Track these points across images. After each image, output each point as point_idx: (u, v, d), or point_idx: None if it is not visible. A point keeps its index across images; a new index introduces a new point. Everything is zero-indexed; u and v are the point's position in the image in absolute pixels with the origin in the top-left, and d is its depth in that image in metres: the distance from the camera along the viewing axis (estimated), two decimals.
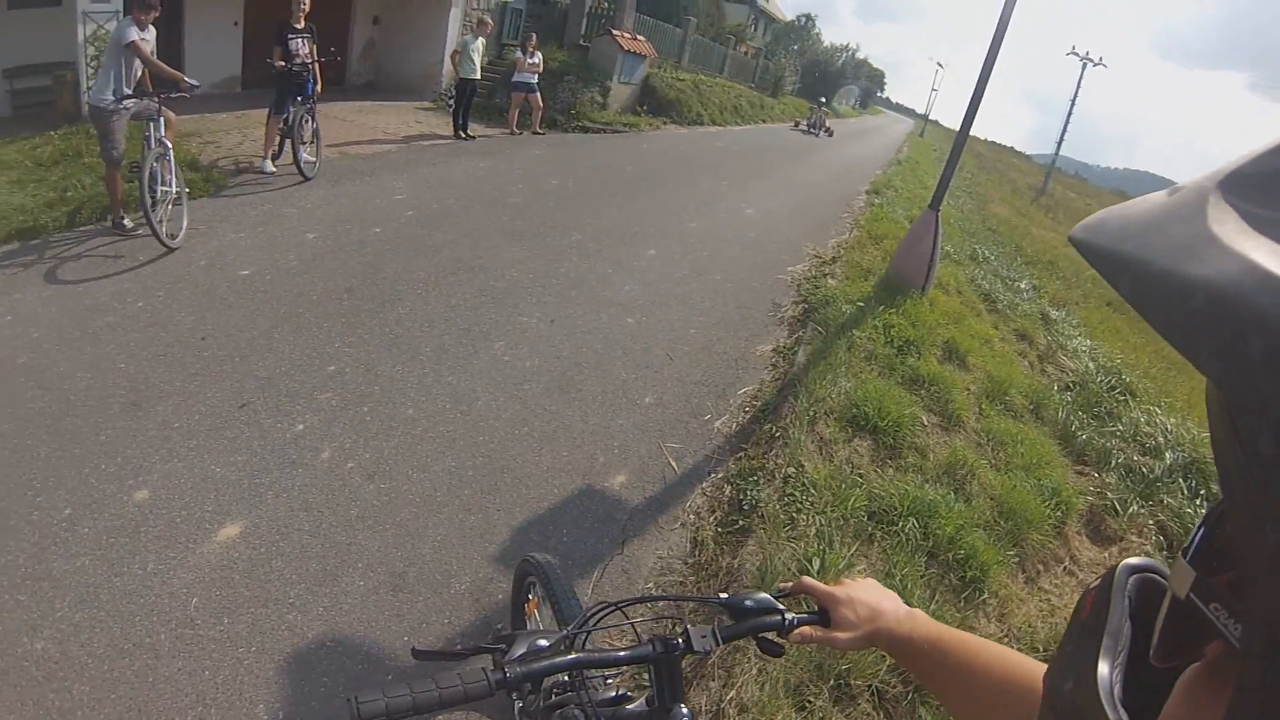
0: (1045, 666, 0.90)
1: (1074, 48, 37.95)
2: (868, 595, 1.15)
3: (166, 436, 3.64)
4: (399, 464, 3.71)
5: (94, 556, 2.91)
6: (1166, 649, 0.44)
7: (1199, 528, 0.41)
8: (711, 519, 3.72)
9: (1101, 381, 6.34)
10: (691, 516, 3.77)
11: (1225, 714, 0.35)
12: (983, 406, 5.25)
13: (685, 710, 1.20)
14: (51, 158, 7.37)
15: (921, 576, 3.31)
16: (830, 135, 26.62)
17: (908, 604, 1.17)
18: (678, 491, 3.95)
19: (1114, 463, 4.94)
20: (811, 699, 2.59)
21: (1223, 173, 0.37)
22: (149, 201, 5.50)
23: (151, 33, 5.89)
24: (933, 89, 51.51)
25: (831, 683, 2.67)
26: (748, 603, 1.24)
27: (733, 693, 2.57)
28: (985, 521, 3.84)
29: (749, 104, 26.48)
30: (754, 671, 2.66)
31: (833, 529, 3.51)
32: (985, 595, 3.35)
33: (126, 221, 5.92)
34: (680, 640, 1.20)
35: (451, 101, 12.19)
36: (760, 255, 8.34)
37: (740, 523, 3.60)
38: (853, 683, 2.69)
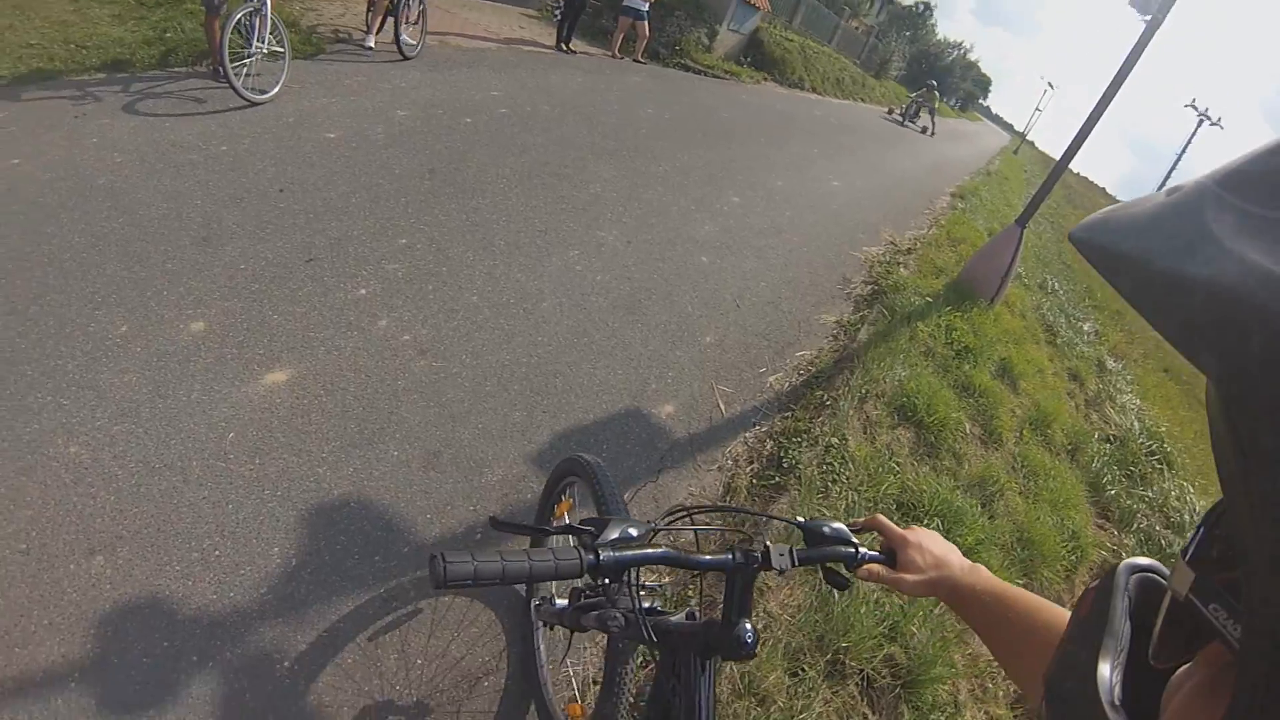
0: None
1: (1194, 101, 36.17)
2: (935, 544, 1.15)
3: (231, 276, 3.59)
4: (454, 346, 3.62)
5: (141, 375, 2.88)
6: (1166, 649, 0.44)
7: (1198, 528, 0.41)
8: (749, 469, 3.63)
9: (1142, 443, 6.08)
10: (730, 462, 3.67)
11: (1225, 714, 0.35)
12: (1024, 432, 5.10)
13: (750, 626, 1.15)
14: None
15: None
16: (930, 134, 22.92)
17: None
18: (721, 435, 3.85)
19: (1136, 526, 4.81)
20: (806, 668, 2.53)
21: (1222, 172, 0.36)
22: (226, 55, 5.40)
23: None
24: (1037, 108, 49.23)
25: (828, 657, 2.60)
26: (825, 529, 1.22)
27: None
28: (1004, 543, 3.75)
29: (851, 79, 25.63)
30: (760, 626, 2.59)
31: (862, 507, 3.43)
32: None
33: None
34: (759, 555, 1.17)
35: (559, 12, 11.92)
36: (838, 228, 8.08)
37: (776, 479, 3.51)
38: (847, 662, 2.62)
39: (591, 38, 13.28)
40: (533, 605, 2.27)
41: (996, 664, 2.78)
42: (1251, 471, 0.31)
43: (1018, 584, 3.41)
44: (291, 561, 2.38)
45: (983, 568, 1.10)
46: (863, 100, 25.59)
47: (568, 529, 1.22)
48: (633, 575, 1.25)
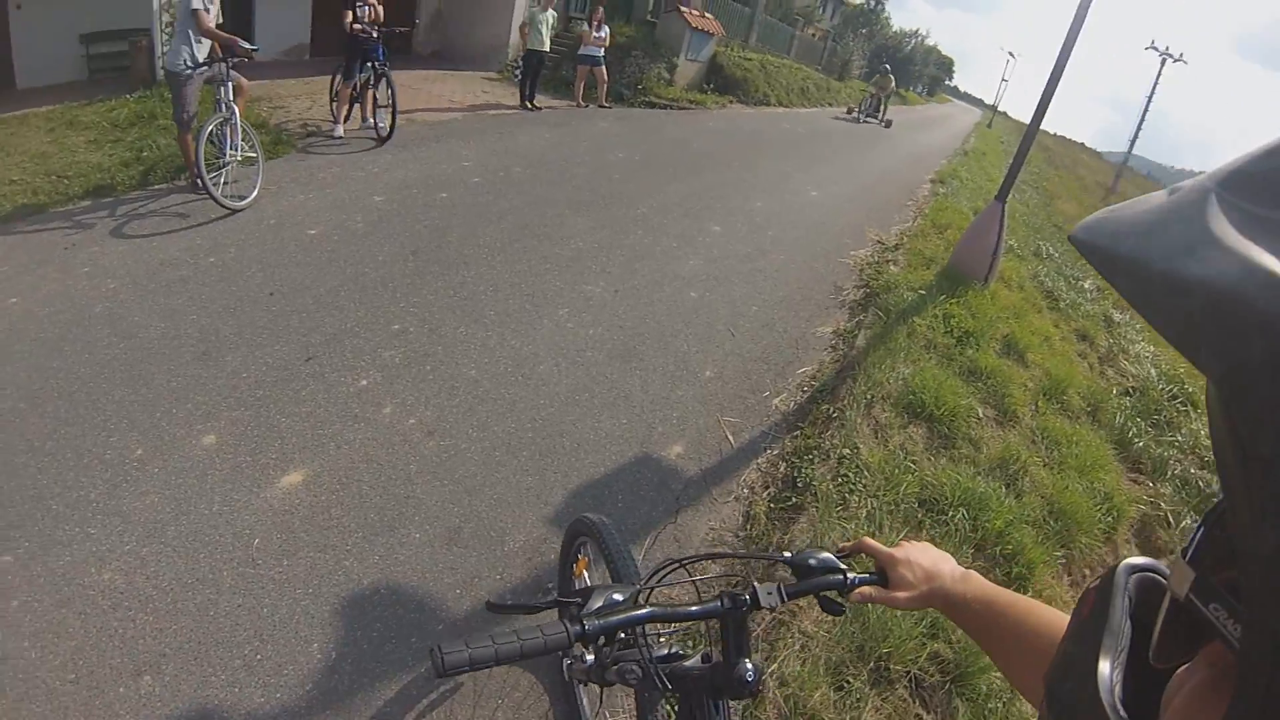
0: None
1: (1153, 42, 36.49)
2: (924, 557, 1.17)
3: (234, 385, 3.73)
4: (459, 423, 3.74)
5: (162, 495, 3.00)
6: (1166, 649, 0.44)
7: (1198, 528, 0.41)
8: (765, 494, 3.68)
9: (1163, 389, 6.07)
10: (745, 491, 3.73)
11: (1225, 715, 0.35)
12: (1039, 404, 5.12)
13: (750, 665, 1.21)
14: (127, 120, 7.62)
15: (968, 568, 3.21)
16: (888, 126, 22.15)
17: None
18: (733, 465, 3.91)
19: (1170, 474, 4.79)
20: (850, 679, 2.56)
21: (1223, 172, 0.37)
22: (204, 166, 5.59)
23: (215, 2, 5.98)
24: (1003, 79, 49.67)
25: (871, 665, 2.64)
26: (811, 561, 1.26)
27: (774, 665, 2.56)
28: (1035, 519, 3.75)
29: (815, 86, 25.93)
30: (796, 647, 2.65)
31: (884, 513, 3.47)
32: (1029, 593, 3.22)
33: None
34: (748, 596, 1.22)
35: (519, 72, 12.22)
36: (823, 238, 8.19)
37: (793, 500, 3.57)
38: (892, 667, 2.65)
39: (554, 90, 13.57)
40: (565, 665, 2.34)
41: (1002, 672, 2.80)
42: (1252, 472, 0.32)
43: (1055, 557, 3.50)
44: (332, 655, 2.47)
45: (975, 574, 1.13)
46: (830, 104, 25.82)
47: (555, 603, 1.31)
48: (641, 629, 1.33)
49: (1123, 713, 0.44)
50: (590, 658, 1.63)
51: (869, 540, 1.25)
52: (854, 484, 3.65)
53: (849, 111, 23.54)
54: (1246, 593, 0.34)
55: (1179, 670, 0.44)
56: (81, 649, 2.36)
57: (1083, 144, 65.60)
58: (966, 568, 3.17)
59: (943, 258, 7.67)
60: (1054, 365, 5.76)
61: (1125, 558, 0.54)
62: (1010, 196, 7.02)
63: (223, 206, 5.69)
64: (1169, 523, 4.26)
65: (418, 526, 3.06)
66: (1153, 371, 6.47)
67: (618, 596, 1.23)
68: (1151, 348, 7.43)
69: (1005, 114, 54.58)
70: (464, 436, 3.65)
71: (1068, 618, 0.87)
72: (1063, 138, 64.98)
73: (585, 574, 2.30)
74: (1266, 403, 0.30)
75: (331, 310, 4.55)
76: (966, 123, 35.68)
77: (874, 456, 3.86)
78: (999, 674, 2.73)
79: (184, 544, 2.79)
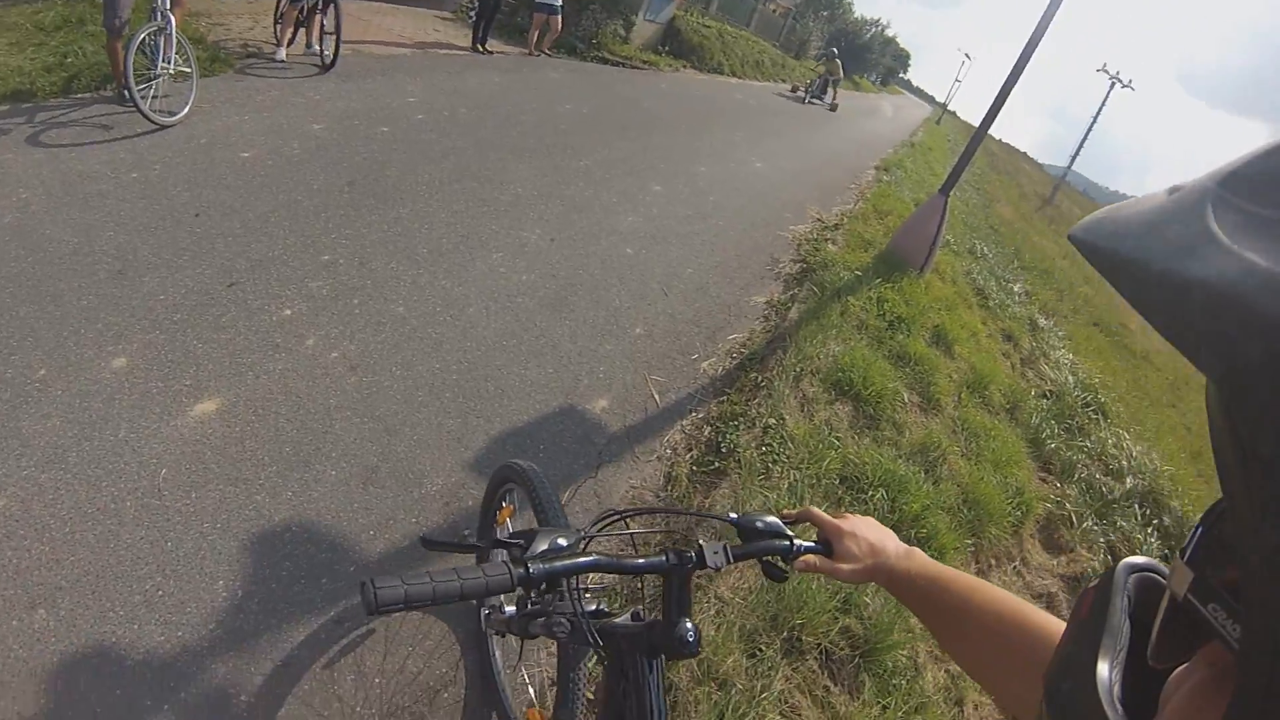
0: (1036, 608, 0.91)
1: (1105, 65, 37.25)
2: (870, 532, 1.16)
3: (150, 308, 3.50)
4: (383, 359, 3.60)
5: (65, 419, 2.80)
6: (1164, 649, 0.44)
7: (1197, 527, 0.41)
8: (688, 456, 3.66)
9: (1077, 396, 6.31)
10: (668, 451, 3.70)
11: (1224, 715, 0.34)
12: (962, 395, 5.21)
13: (690, 625, 1.16)
14: (53, 23, 7.00)
15: None
16: (834, 110, 21.41)
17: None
18: (657, 425, 3.87)
19: (1077, 476, 4.97)
20: (763, 648, 2.57)
21: (1223, 172, 0.36)
22: (131, 77, 5.20)
23: None
24: (956, 79, 50.15)
25: (784, 635, 2.65)
26: (758, 524, 1.23)
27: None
28: (950, 506, 3.82)
29: (771, 61, 25.70)
30: (711, 612, 2.64)
31: (805, 485, 3.47)
32: None
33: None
34: (694, 554, 1.18)
35: (473, 14, 11.74)
36: (764, 209, 8.15)
37: (716, 464, 3.55)
38: (804, 638, 2.67)
39: (508, 36, 13.11)
40: (483, 615, 2.29)
41: (939, 646, 2.87)
42: (1252, 472, 0.31)
43: (966, 544, 3.58)
44: (238, 593, 2.36)
45: (918, 551, 1.12)
46: (783, 80, 25.63)
47: (496, 544, 1.23)
48: (573, 581, 1.25)
49: (1121, 712, 0.43)
50: (510, 609, 1.59)
51: (815, 510, 1.23)
52: (778, 454, 3.64)
53: (794, 90, 22.46)
54: (1246, 593, 0.34)
55: (1177, 670, 0.44)
56: None
57: (1025, 153, 67.20)
58: None
59: (881, 242, 7.71)
60: (979, 360, 5.88)
61: (1123, 558, 0.54)
62: (952, 193, 7.09)
63: (150, 121, 5.30)
64: (1072, 523, 4.42)
65: (334, 464, 2.94)
66: (1070, 378, 6.70)
67: (562, 541, 1.17)
68: (1070, 355, 7.69)
69: (955, 113, 55.07)
70: (387, 374, 3.52)
71: (1013, 596, 0.94)
72: (1007, 144, 66.22)
73: (508, 523, 2.24)
74: (1266, 403, 0.30)
75: (259, 236, 4.30)
76: (916, 116, 35.97)
77: (799, 429, 3.87)
78: (905, 652, 2.81)
79: (86, 471, 2.61)
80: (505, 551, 1.17)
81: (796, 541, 1.21)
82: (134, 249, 3.91)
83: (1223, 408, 0.33)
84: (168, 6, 5.52)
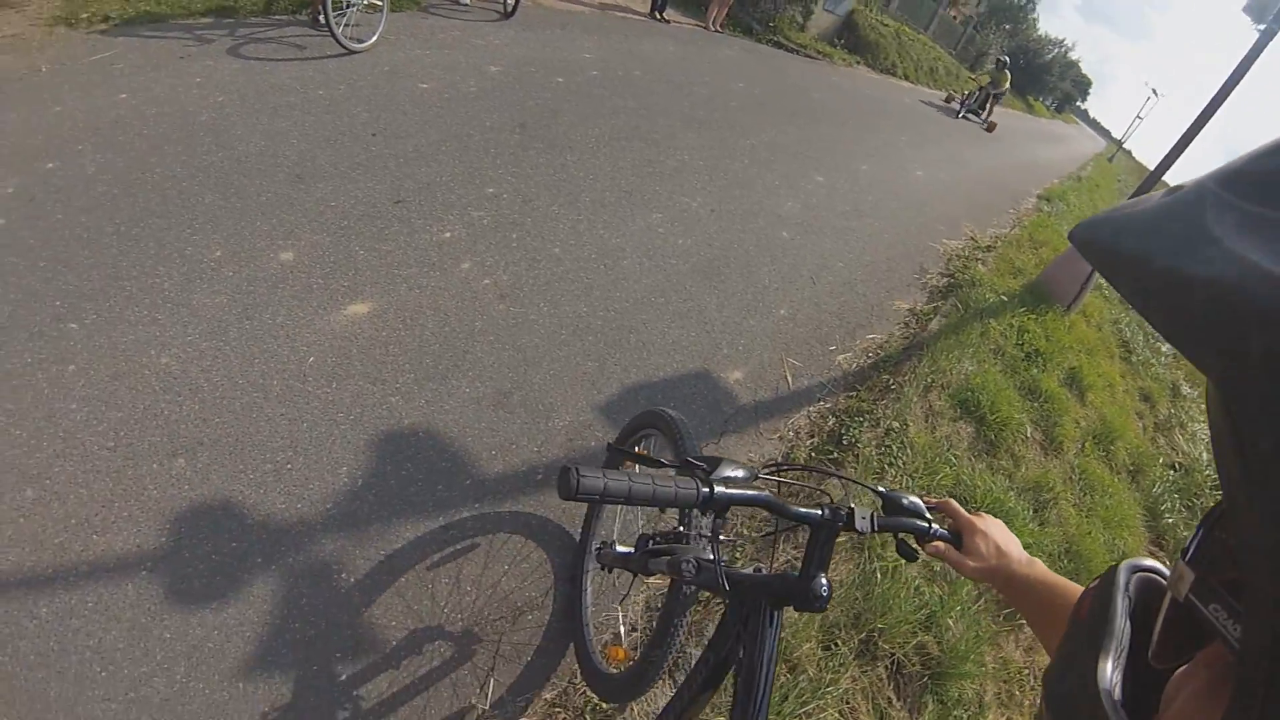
0: None
1: None
2: (999, 534, 1.18)
3: (321, 212, 3.66)
4: (533, 294, 3.63)
5: (231, 297, 2.96)
6: (1166, 649, 0.44)
7: (1198, 529, 0.41)
8: (809, 442, 3.56)
9: (1208, 475, 5.63)
10: (791, 433, 3.60)
11: (1225, 715, 0.35)
12: (1086, 444, 4.83)
13: (825, 580, 1.18)
14: None
15: None
16: (990, 130, 18.09)
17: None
18: (785, 406, 3.78)
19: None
20: (839, 643, 2.48)
21: (1222, 173, 0.36)
22: (328, 2, 5.47)
23: None
24: (1138, 116, 46.61)
25: (862, 635, 2.54)
26: (904, 501, 1.27)
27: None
28: (1051, 552, 3.59)
29: (945, 69, 24.58)
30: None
31: (915, 495, 3.26)
32: (1023, 623, 3.06)
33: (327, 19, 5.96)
34: (845, 514, 1.21)
35: None
36: (920, 218, 7.82)
37: (834, 455, 3.43)
38: (880, 644, 2.54)
39: (684, 8, 13.11)
40: (591, 548, 2.27)
41: (1047, 655, 2.64)
42: (1252, 471, 0.31)
43: None
44: (358, 482, 2.42)
45: (1039, 562, 1.11)
46: (956, 92, 24.66)
47: (683, 463, 1.26)
48: (716, 523, 1.33)
49: (1122, 713, 0.43)
50: (623, 549, 1.57)
51: (953, 502, 1.25)
52: (895, 457, 3.50)
53: (948, 100, 19.76)
54: (1247, 593, 0.34)
55: (1178, 671, 0.44)
56: (126, 421, 2.35)
57: None
58: (966, 580, 3.02)
59: (1032, 273, 7.28)
60: (1111, 413, 5.46)
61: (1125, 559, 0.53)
62: None
63: (341, 46, 5.59)
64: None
65: (469, 382, 2.98)
66: (1204, 455, 6.03)
67: (741, 473, 1.22)
68: (1209, 431, 6.94)
69: (1130, 152, 51.05)
70: (535, 308, 3.54)
71: None
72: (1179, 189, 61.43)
73: (637, 468, 2.19)
74: (1266, 401, 0.30)
75: (430, 162, 4.44)
76: (1088, 149, 33.70)
77: (920, 438, 3.70)
78: (973, 685, 2.66)
79: (243, 346, 2.75)
80: (693, 470, 1.21)
81: (934, 526, 1.22)
82: (313, 158, 4.10)
83: (1223, 407, 0.33)
84: None
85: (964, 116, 17.98)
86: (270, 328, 2.87)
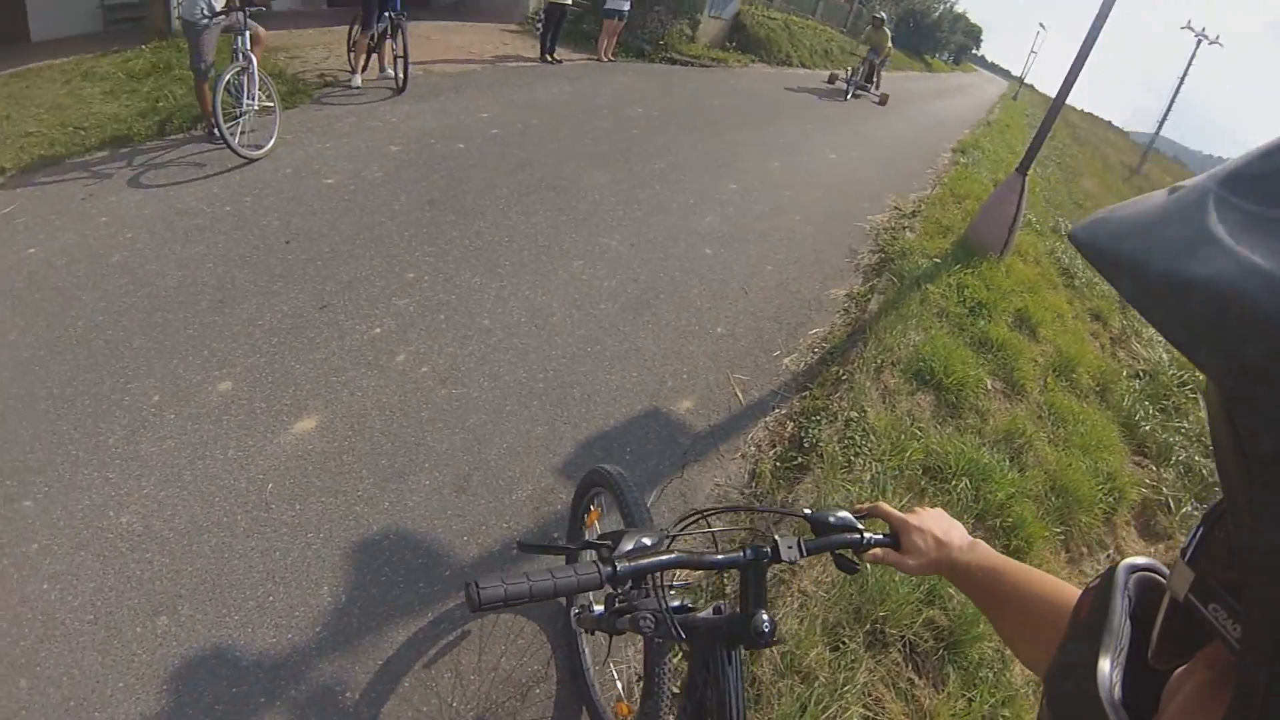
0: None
1: (1189, 22, 35.37)
2: (936, 525, 1.20)
3: (250, 333, 3.75)
4: (472, 371, 3.75)
5: (179, 440, 3.04)
6: (1165, 649, 0.44)
7: (1197, 528, 0.41)
8: (771, 453, 3.70)
9: (1173, 375, 5.98)
10: (752, 448, 3.73)
11: (1225, 715, 0.35)
12: (1048, 380, 5.07)
13: (767, 616, 1.23)
14: (143, 70, 7.58)
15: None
16: (883, 102, 16.59)
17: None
18: (741, 422, 3.91)
19: (1174, 459, 4.78)
20: (846, 640, 2.58)
21: (1223, 172, 0.36)
22: (220, 116, 5.55)
23: None
24: (1032, 51, 48.08)
25: (867, 627, 2.65)
26: (830, 519, 1.29)
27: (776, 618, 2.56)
28: (1037, 494, 3.76)
29: (839, 49, 25.17)
30: (795, 606, 2.66)
31: (887, 477, 3.46)
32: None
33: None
34: (769, 549, 1.24)
35: (540, 25, 12.00)
36: (841, 201, 8.06)
37: (799, 459, 3.57)
38: (887, 631, 2.66)
39: (575, 43, 13.33)
40: (572, 614, 2.37)
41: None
42: (1252, 472, 0.31)
43: (1055, 533, 3.49)
44: (341, 598, 2.51)
45: (982, 544, 1.15)
46: (841, 69, 25.23)
47: (586, 545, 1.32)
48: (658, 578, 1.35)
49: (1123, 712, 0.43)
50: (599, 608, 1.66)
51: (884, 505, 1.28)
52: (859, 447, 3.64)
53: (832, 80, 17.67)
54: (1247, 593, 0.34)
55: (1178, 671, 0.45)
56: (100, 590, 2.41)
57: (1110, 122, 63.58)
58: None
59: (960, 227, 7.53)
60: (1065, 342, 5.71)
61: (1125, 557, 0.54)
62: (1031, 170, 6.87)
63: (240, 156, 5.67)
64: (1170, 508, 4.29)
65: (428, 473, 3.09)
66: (1164, 356, 6.38)
67: (647, 540, 1.26)
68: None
69: (1032, 87, 52.64)
70: (476, 385, 3.66)
71: (1066, 585, 0.95)
72: (1090, 115, 62.97)
73: (596, 525, 2.31)
74: (1266, 402, 0.30)
75: (347, 259, 4.54)
76: (991, 94, 34.74)
77: (881, 421, 3.85)
78: (991, 644, 2.76)
79: (200, 488, 2.83)
80: (595, 551, 1.27)
81: (866, 535, 1.26)
82: (232, 278, 4.18)
83: (1223, 407, 0.33)
84: (248, 46, 5.89)
85: (853, 96, 16.32)
86: (223, 463, 2.95)
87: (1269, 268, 0.30)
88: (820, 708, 2.31)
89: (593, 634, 2.24)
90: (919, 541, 1.19)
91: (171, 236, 4.56)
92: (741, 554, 1.25)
